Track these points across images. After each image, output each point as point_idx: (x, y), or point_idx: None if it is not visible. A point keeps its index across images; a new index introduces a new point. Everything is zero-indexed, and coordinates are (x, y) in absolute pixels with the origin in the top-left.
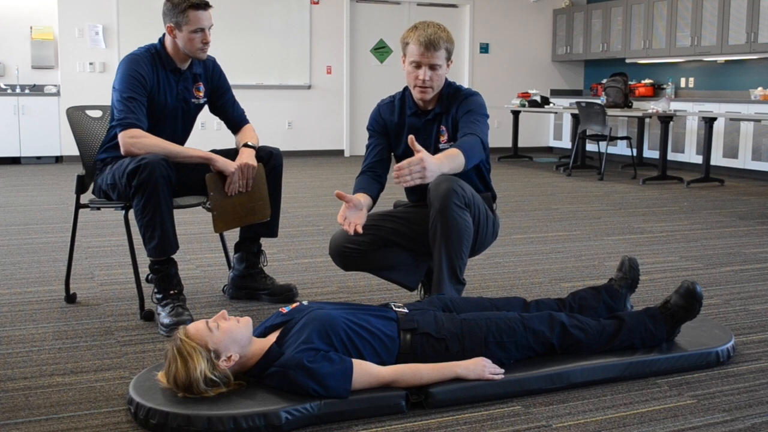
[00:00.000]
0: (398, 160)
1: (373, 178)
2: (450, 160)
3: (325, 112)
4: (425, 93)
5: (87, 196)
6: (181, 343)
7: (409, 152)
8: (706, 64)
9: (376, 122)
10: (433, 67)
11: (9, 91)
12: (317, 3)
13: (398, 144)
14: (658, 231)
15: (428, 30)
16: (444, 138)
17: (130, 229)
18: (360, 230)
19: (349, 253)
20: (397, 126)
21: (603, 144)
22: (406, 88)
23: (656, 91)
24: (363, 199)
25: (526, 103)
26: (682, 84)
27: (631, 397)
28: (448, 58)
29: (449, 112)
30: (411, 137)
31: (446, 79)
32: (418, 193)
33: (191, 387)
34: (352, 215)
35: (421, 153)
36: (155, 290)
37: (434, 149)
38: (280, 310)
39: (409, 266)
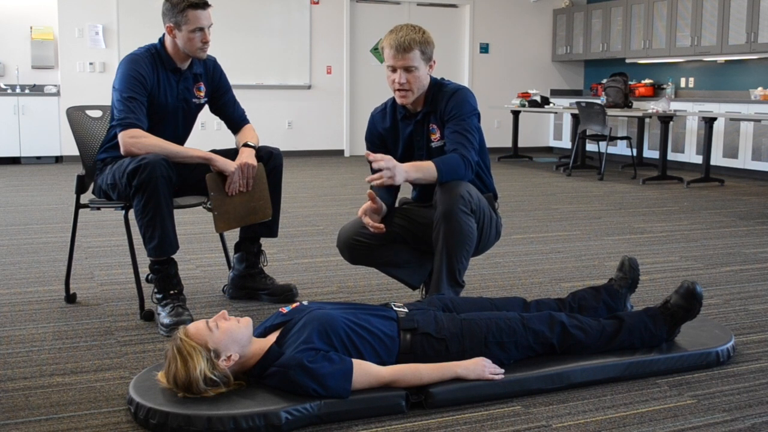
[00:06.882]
0: None
1: (386, 190)
2: (417, 169)
3: (325, 112)
4: (405, 97)
5: (87, 196)
6: (181, 343)
7: (407, 155)
8: (706, 64)
9: (372, 135)
10: (408, 69)
11: (9, 91)
12: (317, 3)
13: (396, 149)
14: (658, 231)
15: (400, 33)
16: (436, 136)
17: (130, 229)
18: (383, 229)
19: (357, 246)
20: (391, 131)
21: (603, 144)
22: None
23: (656, 91)
24: (383, 207)
25: (526, 103)
26: (682, 84)
27: (631, 397)
28: (428, 60)
29: (437, 110)
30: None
31: (431, 78)
32: (421, 193)
33: (191, 387)
34: (373, 217)
35: (391, 159)
36: (155, 290)
37: (427, 149)
38: (280, 310)
39: (414, 265)
